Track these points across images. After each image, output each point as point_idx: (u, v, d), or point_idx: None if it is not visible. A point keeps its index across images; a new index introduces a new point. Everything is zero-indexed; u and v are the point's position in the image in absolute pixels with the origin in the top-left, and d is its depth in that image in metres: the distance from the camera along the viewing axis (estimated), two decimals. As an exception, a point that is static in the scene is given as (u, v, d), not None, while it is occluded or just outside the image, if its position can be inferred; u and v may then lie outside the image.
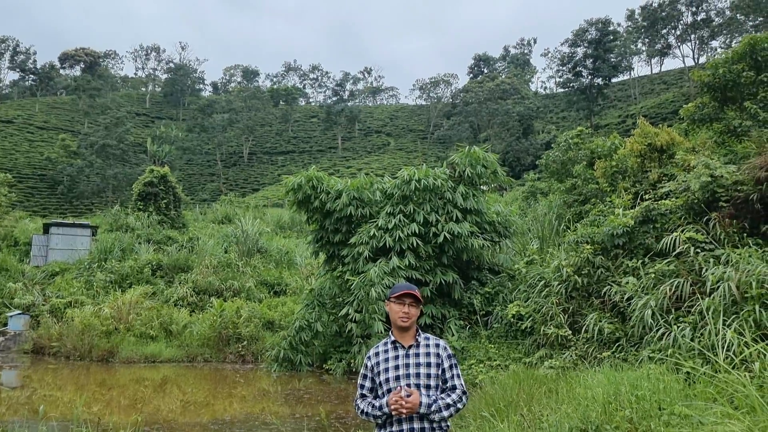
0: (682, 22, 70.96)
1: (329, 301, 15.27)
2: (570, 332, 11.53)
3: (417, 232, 14.17)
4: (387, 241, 14.12)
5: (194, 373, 15.61)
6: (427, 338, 3.32)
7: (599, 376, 7.01)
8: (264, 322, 18.09)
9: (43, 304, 20.17)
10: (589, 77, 69.96)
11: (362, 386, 3.38)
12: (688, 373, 6.36)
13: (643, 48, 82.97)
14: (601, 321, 11.02)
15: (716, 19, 67.01)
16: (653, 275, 10.66)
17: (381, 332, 13.18)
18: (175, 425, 9.25)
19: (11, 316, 19.28)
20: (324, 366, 14.73)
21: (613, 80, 76.78)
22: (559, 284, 12.20)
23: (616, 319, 11.13)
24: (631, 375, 6.66)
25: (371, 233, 14.31)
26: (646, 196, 12.81)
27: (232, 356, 17.00)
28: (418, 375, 3.19)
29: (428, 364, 3.20)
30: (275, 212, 40.03)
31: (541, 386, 7.77)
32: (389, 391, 3.21)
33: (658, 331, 8.99)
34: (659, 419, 4.70)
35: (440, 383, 3.22)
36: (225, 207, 43.93)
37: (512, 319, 13.05)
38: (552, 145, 25.32)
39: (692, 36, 71.33)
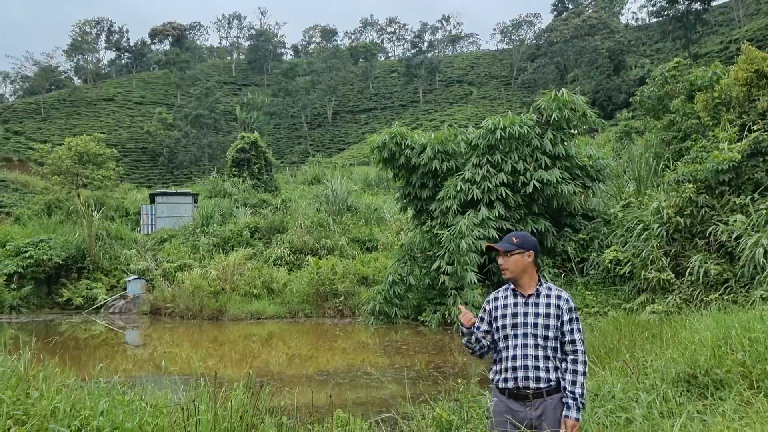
0: (793, -71, 63.61)
1: (420, 255, 15.44)
2: (673, 276, 11.09)
3: (505, 181, 13.94)
4: (475, 193, 14.00)
5: (297, 328, 16.41)
6: (550, 288, 3.23)
7: (707, 320, 6.74)
8: (358, 278, 18.62)
9: (156, 269, 21.73)
10: (686, 2, 64.55)
11: (478, 328, 3.40)
12: (806, 313, 5.98)
13: (748, -37, 75.35)
14: (706, 262, 10.52)
15: None
16: (765, 212, 9.99)
17: (474, 283, 13.24)
18: (283, 377, 9.83)
19: (129, 281, 20.95)
20: (419, 318, 15.02)
21: (713, 3, 70.49)
22: (659, 227, 11.69)
23: (723, 260, 10.58)
24: (743, 317, 6.34)
25: (458, 186, 14.22)
26: (755, 128, 11.91)
27: (331, 311, 17.69)
28: (536, 325, 3.14)
29: (547, 315, 3.13)
30: (362, 170, 40.55)
31: (643, 332, 7.56)
32: (505, 337, 3.21)
33: (771, 270, 8.45)
34: (775, 362, 4.47)
35: (558, 335, 3.14)
36: (313, 168, 44.95)
37: (609, 265, 12.69)
38: (646, 81, 23.85)
39: (806, -56, 63.89)
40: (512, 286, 3.30)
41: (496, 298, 3.34)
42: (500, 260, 3.28)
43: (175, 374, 10.21)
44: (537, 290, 3.22)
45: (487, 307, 3.36)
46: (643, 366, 5.21)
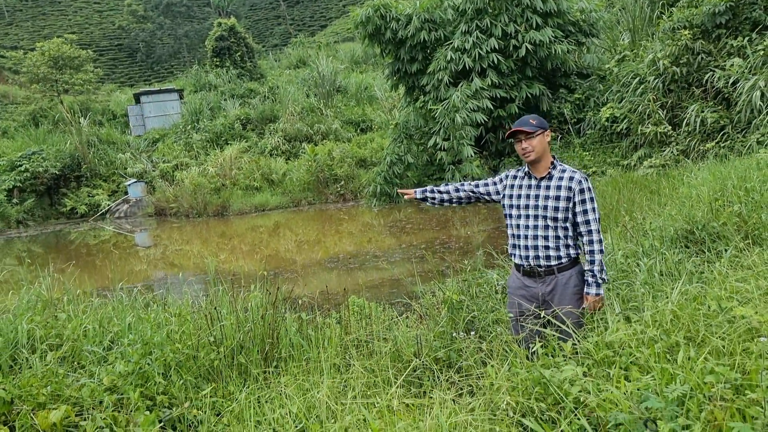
0: None
1: (416, 133, 15.34)
2: (670, 128, 11.08)
3: (496, 47, 13.52)
4: (466, 62, 13.63)
5: (301, 216, 16.70)
6: (564, 171, 3.24)
7: (703, 173, 6.83)
8: (356, 161, 18.65)
9: (153, 170, 21.73)
10: None
11: (486, 185, 3.52)
12: (802, 158, 6.03)
13: None
14: (703, 111, 10.47)
15: None
16: (762, 52, 9.78)
17: (471, 156, 13.27)
18: (295, 266, 10.16)
19: (129, 185, 21.02)
20: (420, 195, 15.20)
21: None
22: (655, 78, 11.50)
23: (720, 107, 10.53)
24: (739, 166, 6.42)
25: (448, 57, 13.81)
26: (755, -38, 11.30)
27: (333, 196, 17.91)
28: (545, 207, 3.21)
29: (557, 198, 3.18)
30: (347, 47, 39.02)
31: (641, 190, 7.69)
32: (518, 217, 3.31)
33: (768, 115, 8.43)
34: (771, 209, 4.57)
35: (569, 216, 3.20)
36: (297, 50, 43.27)
37: (606, 123, 12.65)
38: None
39: None
40: (527, 168, 3.34)
41: (514, 177, 3.40)
42: (524, 143, 3.22)
43: (191, 274, 10.57)
44: (549, 173, 3.25)
45: (505, 182, 3.44)
46: (642, 227, 5.35)
